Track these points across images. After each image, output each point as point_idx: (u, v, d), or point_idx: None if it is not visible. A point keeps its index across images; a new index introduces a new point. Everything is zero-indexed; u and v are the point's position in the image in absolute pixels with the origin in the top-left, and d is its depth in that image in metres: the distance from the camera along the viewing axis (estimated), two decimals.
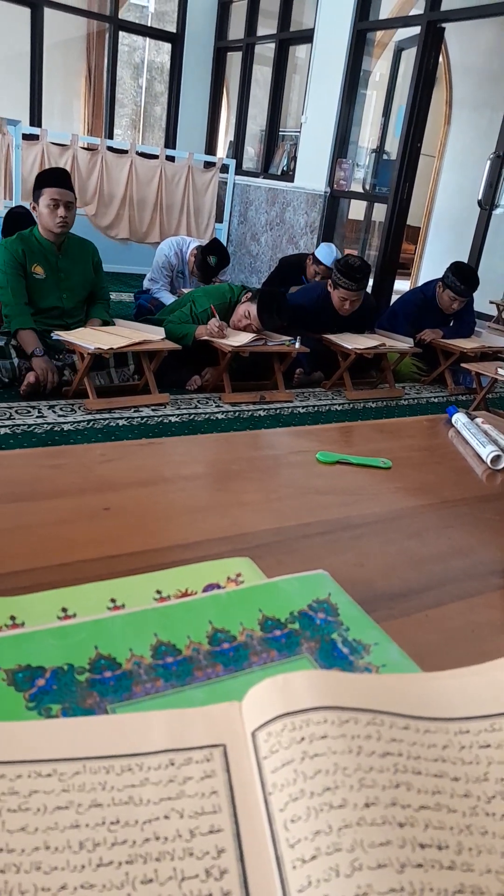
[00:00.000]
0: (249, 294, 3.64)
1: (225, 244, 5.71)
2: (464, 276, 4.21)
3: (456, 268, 4.26)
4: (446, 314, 4.39)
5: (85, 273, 3.47)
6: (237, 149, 7.37)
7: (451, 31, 5.85)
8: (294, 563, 0.56)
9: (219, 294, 3.67)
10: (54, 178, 3.26)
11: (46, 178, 3.27)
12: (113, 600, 0.46)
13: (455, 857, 0.26)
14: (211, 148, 7.72)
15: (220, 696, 0.38)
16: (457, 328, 4.42)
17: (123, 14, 7.26)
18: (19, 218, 3.96)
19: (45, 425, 2.93)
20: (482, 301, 6.64)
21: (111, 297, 3.85)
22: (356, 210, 6.57)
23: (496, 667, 0.37)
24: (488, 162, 4.79)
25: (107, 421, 3.07)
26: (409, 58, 5.51)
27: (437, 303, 4.35)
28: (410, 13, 5.88)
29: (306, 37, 6.21)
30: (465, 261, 4.93)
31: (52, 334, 3.22)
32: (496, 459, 0.84)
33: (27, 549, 0.54)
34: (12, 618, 0.43)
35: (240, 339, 3.44)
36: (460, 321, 4.44)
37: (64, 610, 0.44)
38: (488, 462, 0.84)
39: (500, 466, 0.84)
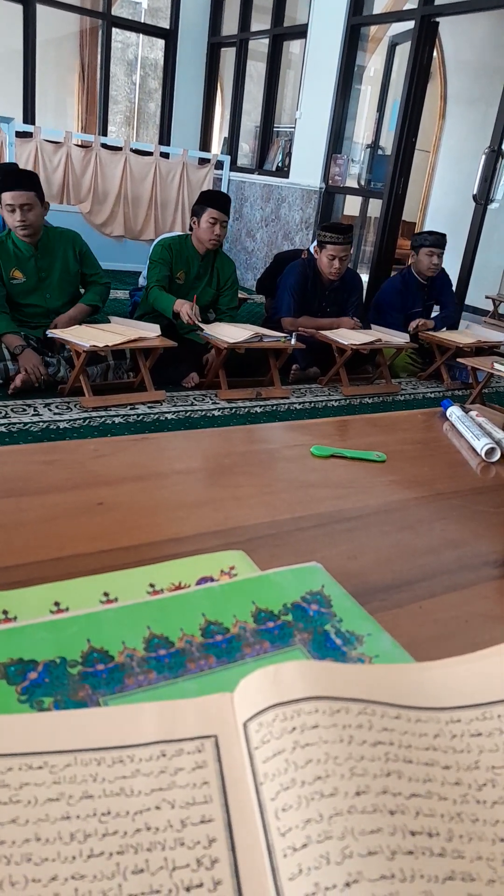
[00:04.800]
0: (195, 218, 3.73)
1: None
2: (431, 232, 4.42)
3: (421, 232, 4.57)
4: (429, 291, 4.52)
5: (67, 266, 3.41)
6: (232, 145, 7.35)
7: (445, 25, 5.83)
8: (288, 555, 0.56)
9: (172, 242, 3.77)
10: (9, 181, 3.12)
11: (1, 182, 3.13)
12: (106, 594, 0.46)
13: (446, 845, 0.26)
14: (205, 144, 7.70)
15: (213, 688, 0.38)
16: (443, 315, 4.56)
17: (116, 10, 7.24)
18: None
19: (41, 423, 2.93)
20: (478, 296, 6.64)
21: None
22: (351, 206, 6.57)
23: (487, 655, 0.37)
24: (483, 156, 4.78)
25: (103, 418, 3.07)
26: (403, 52, 5.51)
27: (416, 278, 4.47)
28: (404, 8, 5.86)
29: (300, 32, 6.19)
30: (461, 256, 4.95)
31: (46, 332, 3.22)
32: (490, 452, 0.84)
33: (20, 543, 0.54)
34: (4, 612, 0.43)
35: (236, 336, 3.44)
36: (442, 303, 4.60)
37: (56, 604, 0.44)
38: (482, 454, 0.84)
39: (494, 459, 0.84)
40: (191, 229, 3.82)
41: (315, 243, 4.21)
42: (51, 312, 3.40)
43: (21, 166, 5.42)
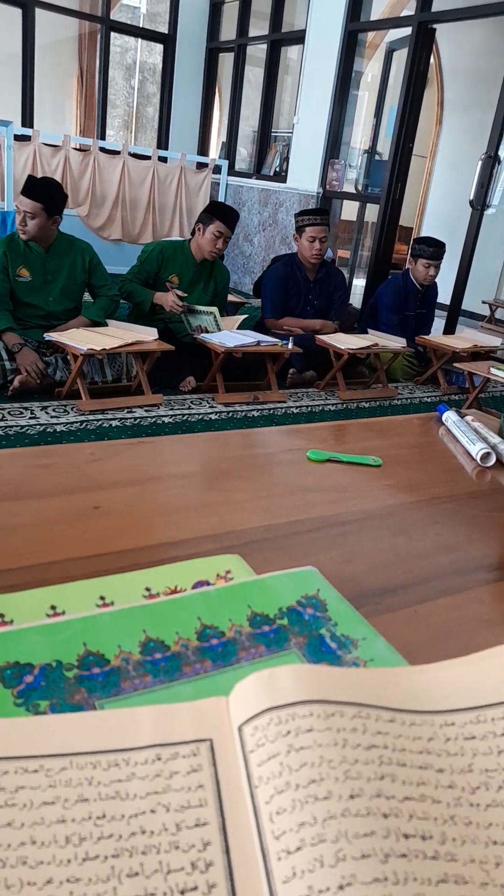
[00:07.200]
0: (200, 225, 3.73)
1: None
2: (430, 241, 4.43)
3: (420, 239, 4.50)
4: (422, 298, 4.56)
5: (73, 275, 3.47)
6: (230, 149, 7.37)
7: (443, 32, 5.87)
8: (283, 559, 0.56)
9: (166, 247, 3.80)
10: (25, 186, 3.30)
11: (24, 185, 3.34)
12: (102, 598, 0.46)
13: (439, 847, 0.27)
14: (203, 149, 7.71)
15: (209, 692, 0.38)
16: (423, 316, 4.64)
17: (115, 15, 7.26)
18: None
19: (38, 426, 2.93)
20: (475, 301, 6.66)
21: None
22: (348, 210, 6.58)
23: (481, 658, 0.37)
24: (479, 162, 4.80)
25: (100, 422, 3.07)
26: (400, 59, 5.52)
27: (412, 284, 4.50)
28: (402, 14, 5.89)
29: (298, 38, 6.21)
30: (458, 261, 4.97)
31: (44, 335, 3.23)
32: (486, 457, 0.85)
33: (16, 547, 0.54)
34: (0, 615, 0.43)
35: (231, 336, 3.44)
36: (428, 308, 4.66)
37: (53, 608, 0.44)
38: (478, 459, 0.85)
39: (489, 464, 0.85)
40: (192, 234, 3.83)
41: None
42: (50, 316, 3.44)
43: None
